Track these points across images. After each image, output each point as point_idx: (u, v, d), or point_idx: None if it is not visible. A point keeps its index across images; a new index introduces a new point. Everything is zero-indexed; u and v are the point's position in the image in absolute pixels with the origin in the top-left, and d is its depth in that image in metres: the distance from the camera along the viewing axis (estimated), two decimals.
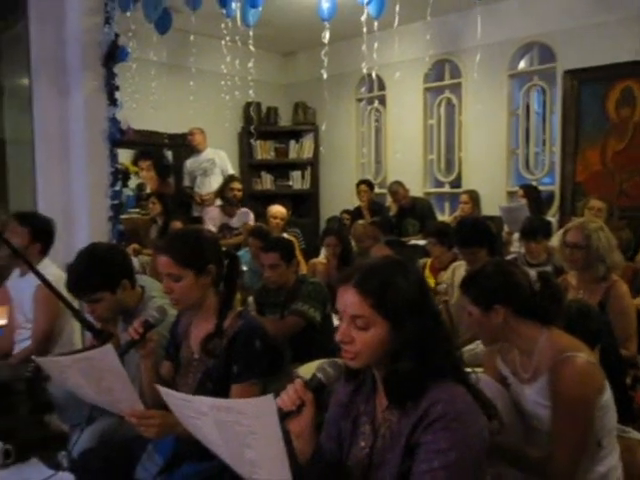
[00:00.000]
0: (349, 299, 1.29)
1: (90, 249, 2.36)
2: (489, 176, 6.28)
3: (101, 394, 1.78)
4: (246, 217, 5.56)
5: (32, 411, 2.77)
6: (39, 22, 4.01)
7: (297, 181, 7.80)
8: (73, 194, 4.02)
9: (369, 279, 1.29)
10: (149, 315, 1.87)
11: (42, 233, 3.10)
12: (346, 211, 6.51)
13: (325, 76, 4.48)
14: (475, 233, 3.32)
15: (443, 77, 6.84)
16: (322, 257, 4.74)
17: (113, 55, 4.05)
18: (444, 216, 6.69)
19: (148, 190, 5.96)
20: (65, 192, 4.01)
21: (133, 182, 6.05)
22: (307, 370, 2.60)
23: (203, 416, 1.26)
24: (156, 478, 1.91)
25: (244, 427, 1.19)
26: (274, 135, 7.76)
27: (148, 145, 6.15)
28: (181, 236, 2.04)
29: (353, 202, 6.89)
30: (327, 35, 4.32)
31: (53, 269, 3.08)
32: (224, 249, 2.10)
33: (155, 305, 2.06)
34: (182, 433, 1.78)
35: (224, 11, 4.37)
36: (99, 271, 2.20)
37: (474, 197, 5.99)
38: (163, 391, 1.36)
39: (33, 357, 1.97)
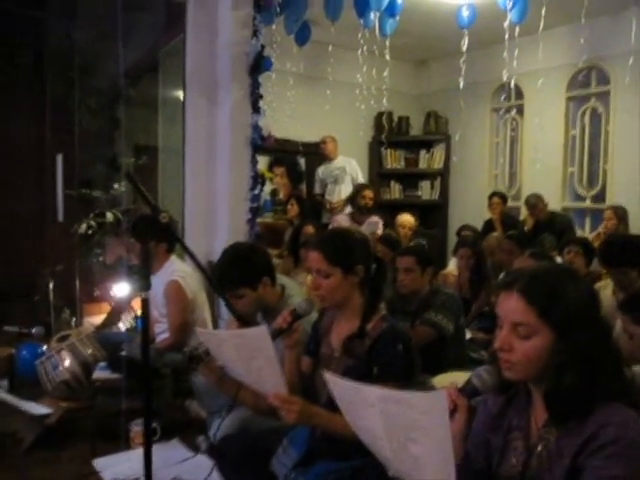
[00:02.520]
0: (512, 305, 1.23)
1: (233, 247, 2.50)
2: (639, 190, 5.77)
3: (250, 372, 1.86)
4: (375, 226, 5.58)
5: (175, 395, 2.98)
6: (195, 37, 4.34)
7: (426, 191, 7.70)
8: (216, 197, 4.29)
9: (536, 285, 1.22)
10: (298, 306, 1.93)
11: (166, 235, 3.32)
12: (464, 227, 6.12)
13: (462, 85, 4.41)
14: (626, 252, 3.10)
15: (588, 85, 6.41)
16: (452, 268, 4.63)
17: (259, 65, 4.29)
18: (584, 233, 6.25)
19: (281, 196, 6.20)
20: (209, 195, 4.30)
21: (267, 188, 6.33)
22: (440, 382, 2.55)
23: (370, 407, 1.23)
24: (290, 472, 1.96)
25: (412, 421, 1.15)
26: (405, 144, 7.74)
27: (283, 152, 6.41)
28: (334, 234, 2.12)
29: (483, 214, 6.66)
30: (466, 43, 4.25)
31: (181, 265, 3.32)
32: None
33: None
34: (318, 425, 1.84)
35: (362, 22, 4.47)
36: (241, 268, 2.32)
37: (620, 213, 5.52)
38: (331, 379, 1.34)
39: (196, 329, 2.11)
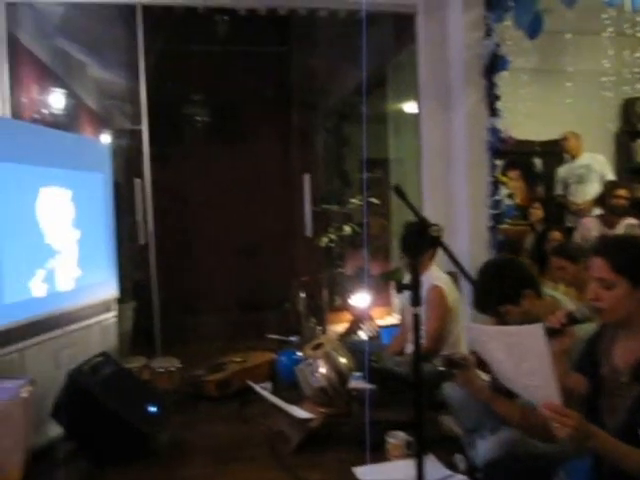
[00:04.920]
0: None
1: (486, 266, 2.39)
2: None
3: (519, 376, 1.71)
4: (632, 229, 4.90)
5: (429, 409, 2.94)
6: (426, 46, 4.33)
7: None
8: (454, 205, 4.19)
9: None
10: (577, 310, 1.74)
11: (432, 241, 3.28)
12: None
13: None
14: None
15: None
16: None
17: (494, 66, 4.09)
18: None
19: (517, 200, 5.82)
20: (447, 204, 4.22)
21: (502, 192, 6.00)
22: None
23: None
24: None
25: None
26: None
27: (517, 154, 6.02)
28: (622, 241, 1.86)
29: None
30: None
31: (442, 275, 3.27)
32: None
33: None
34: (598, 449, 1.59)
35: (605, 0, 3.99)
36: (495, 287, 2.19)
37: None
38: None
39: (465, 323, 2.05)
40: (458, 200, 4.20)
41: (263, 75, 6.03)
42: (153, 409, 2.92)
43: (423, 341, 3.17)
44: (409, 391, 2.85)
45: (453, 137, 4.25)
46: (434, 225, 1.53)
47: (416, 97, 4.50)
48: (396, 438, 2.65)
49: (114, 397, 2.77)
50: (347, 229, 5.44)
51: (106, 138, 5.52)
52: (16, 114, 3.89)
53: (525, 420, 1.96)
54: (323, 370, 3.19)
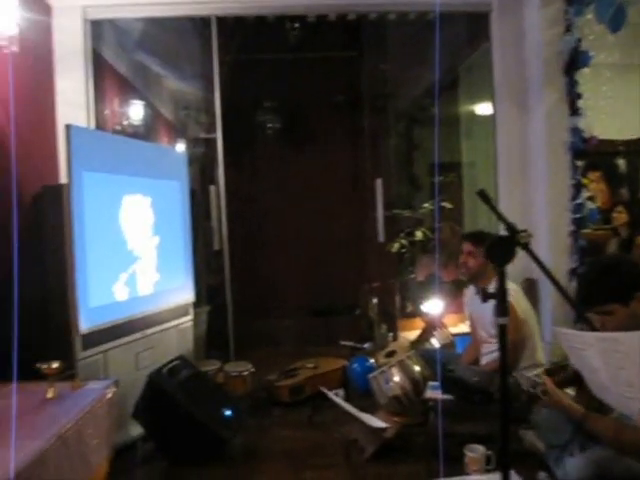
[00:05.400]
0: None
1: (600, 260, 2.28)
2: None
3: (614, 385, 1.61)
4: None
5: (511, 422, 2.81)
6: (501, 45, 4.18)
7: None
8: (533, 209, 4.02)
9: None
10: None
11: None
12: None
13: None
14: None
15: None
16: None
17: (575, 62, 3.90)
18: None
19: (598, 204, 5.53)
20: (525, 208, 4.05)
21: (583, 195, 5.72)
22: None
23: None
24: None
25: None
26: None
27: (599, 155, 5.72)
28: None
29: None
30: None
31: (511, 284, 3.10)
32: None
33: None
34: None
35: None
36: (610, 282, 2.04)
37: None
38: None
39: (556, 329, 1.96)
40: (537, 204, 4.02)
41: (333, 80, 6.05)
42: (229, 413, 2.96)
43: (497, 355, 3.06)
44: (487, 403, 2.77)
45: (531, 138, 4.08)
46: (523, 231, 1.45)
47: (490, 98, 4.36)
48: (475, 452, 2.56)
49: (191, 400, 2.83)
50: (418, 234, 5.34)
51: (181, 147, 5.71)
52: (100, 126, 4.07)
53: (620, 436, 1.84)
54: (397, 379, 3.13)
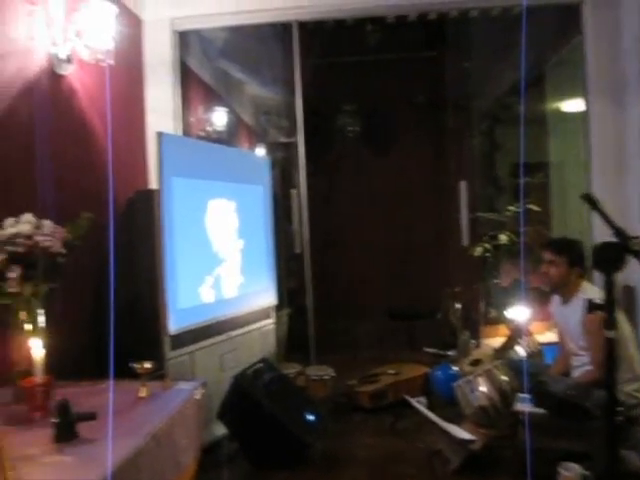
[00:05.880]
0: None
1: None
2: None
3: None
4: None
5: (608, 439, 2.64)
6: (595, 38, 3.95)
7: None
8: (630, 212, 3.76)
9: None
10: None
11: (579, 258, 2.94)
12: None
13: None
14: None
15: None
16: None
17: None
18: None
19: None
20: (622, 211, 3.78)
21: None
22: None
23: None
24: None
25: None
26: None
27: None
28: None
29: None
30: None
31: (596, 292, 2.91)
32: None
33: None
34: None
35: None
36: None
37: None
38: None
39: None
40: (634, 207, 3.76)
41: (413, 81, 5.97)
42: (311, 417, 2.95)
43: (591, 368, 2.87)
44: (583, 419, 2.60)
45: (629, 136, 3.82)
46: (635, 238, 1.34)
47: (581, 94, 4.12)
48: (570, 471, 2.41)
49: (275, 403, 2.85)
50: (503, 238, 5.14)
51: (261, 151, 5.80)
52: (186, 132, 4.21)
53: None
54: (484, 389, 3.02)
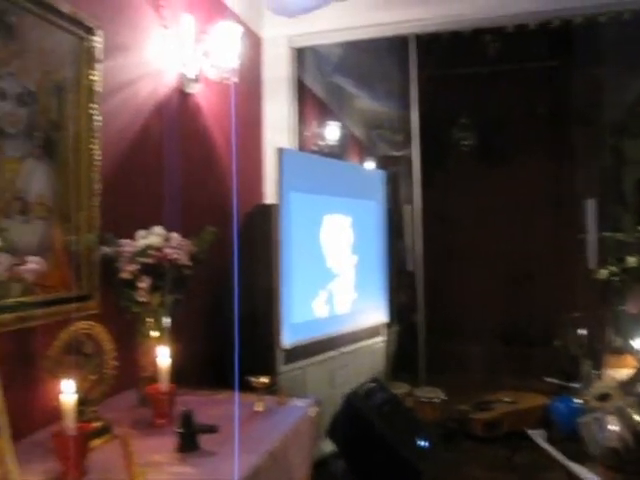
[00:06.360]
0: None
1: None
2: None
3: None
4: None
5: None
6: None
7: None
8: None
9: None
10: None
11: None
12: None
13: None
14: None
15: None
16: None
17: None
18: None
19: None
20: None
21: None
22: None
23: None
24: None
25: None
26: None
27: None
28: None
29: None
30: None
31: None
32: None
33: None
34: None
35: None
36: None
37: None
38: None
39: None
40: None
41: (533, 92, 5.68)
42: (423, 443, 2.84)
43: None
44: None
45: None
46: None
47: None
48: None
49: (387, 425, 2.77)
50: (632, 260, 4.71)
51: (370, 165, 5.77)
52: (300, 147, 4.27)
53: None
54: (615, 428, 2.75)
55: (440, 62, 5.21)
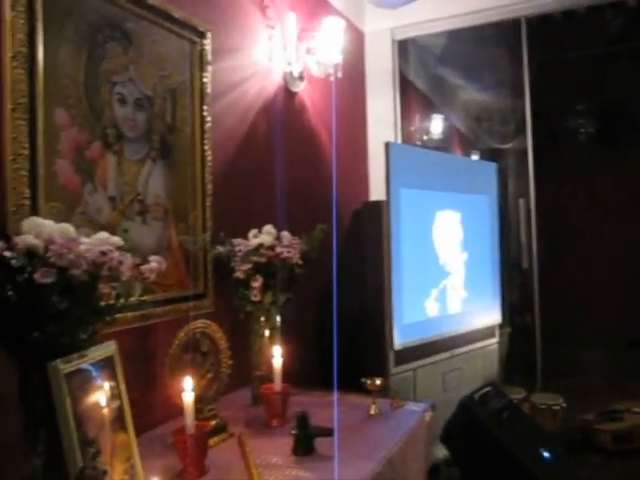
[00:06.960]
0: None
1: None
2: None
3: None
4: None
5: None
6: None
7: None
8: None
9: None
10: None
11: None
12: None
13: None
14: None
15: None
16: None
17: None
18: None
19: None
20: None
21: None
22: None
23: None
24: None
25: None
26: None
27: None
28: None
29: None
30: None
31: None
32: None
33: None
34: None
35: None
36: None
37: None
38: None
39: None
40: None
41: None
42: (547, 454, 2.64)
43: None
44: None
45: None
46: None
47: None
48: None
49: (507, 433, 2.60)
50: None
51: (474, 158, 5.52)
52: (405, 142, 4.14)
53: None
54: None
55: (552, 46, 4.85)
